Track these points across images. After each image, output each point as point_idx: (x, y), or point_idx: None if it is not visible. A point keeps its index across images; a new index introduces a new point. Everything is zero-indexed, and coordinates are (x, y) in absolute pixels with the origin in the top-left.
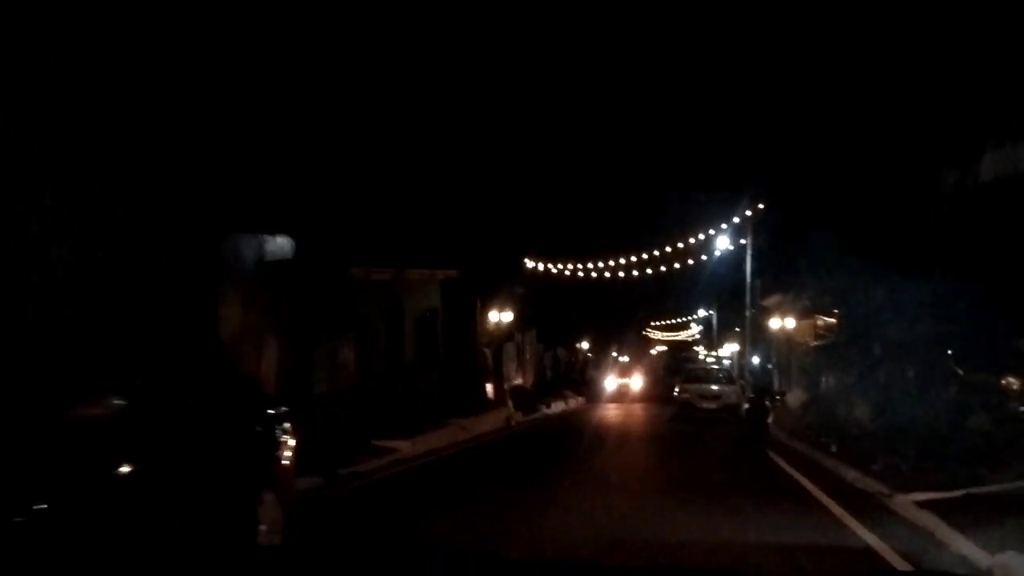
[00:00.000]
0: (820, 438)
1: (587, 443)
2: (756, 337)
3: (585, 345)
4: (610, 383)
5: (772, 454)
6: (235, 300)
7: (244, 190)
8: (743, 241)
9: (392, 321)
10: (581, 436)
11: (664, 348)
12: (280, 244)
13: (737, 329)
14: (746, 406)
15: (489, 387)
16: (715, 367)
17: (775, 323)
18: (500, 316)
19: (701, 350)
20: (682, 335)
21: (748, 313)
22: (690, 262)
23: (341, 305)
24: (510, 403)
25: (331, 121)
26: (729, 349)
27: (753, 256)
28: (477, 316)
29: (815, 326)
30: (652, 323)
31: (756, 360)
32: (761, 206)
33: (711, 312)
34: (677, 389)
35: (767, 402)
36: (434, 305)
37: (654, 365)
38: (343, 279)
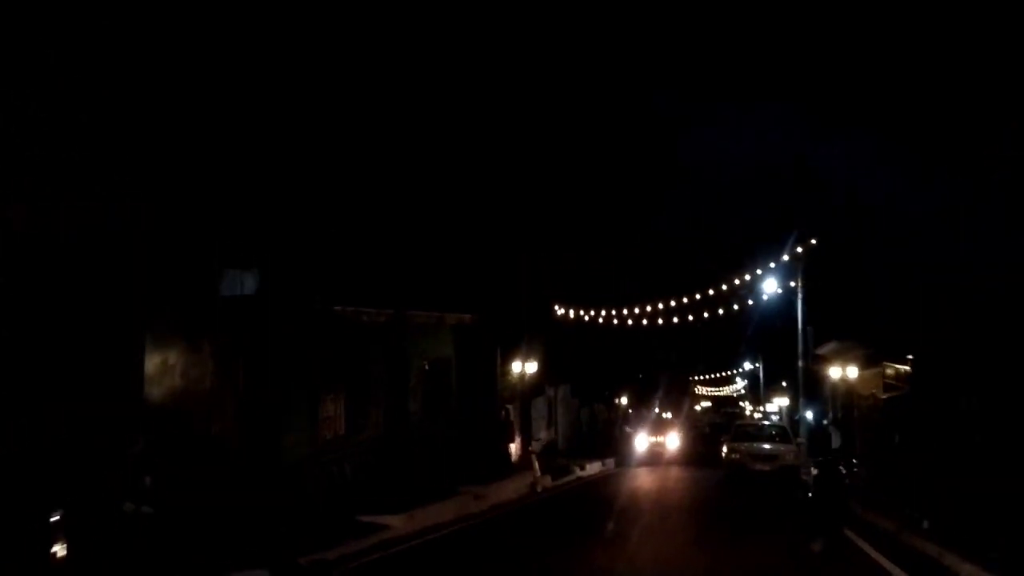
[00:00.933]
0: (904, 509)
1: (622, 517)
2: (810, 390)
3: (624, 401)
4: (641, 442)
5: (851, 534)
6: (172, 346)
7: (193, 208)
8: (792, 284)
9: (394, 371)
10: (615, 507)
11: (708, 404)
12: (240, 277)
13: (784, 384)
14: (815, 472)
15: (513, 447)
16: (767, 423)
17: (834, 372)
18: (524, 367)
19: (747, 406)
20: (726, 390)
21: (800, 363)
22: (735, 307)
23: (323, 351)
24: (537, 466)
25: (326, 140)
26: (778, 404)
27: (804, 299)
28: (497, 367)
29: (883, 375)
30: (694, 377)
31: (810, 415)
32: (813, 241)
33: (757, 365)
34: (726, 449)
35: (842, 468)
36: (446, 353)
37: (697, 422)
38: (325, 320)
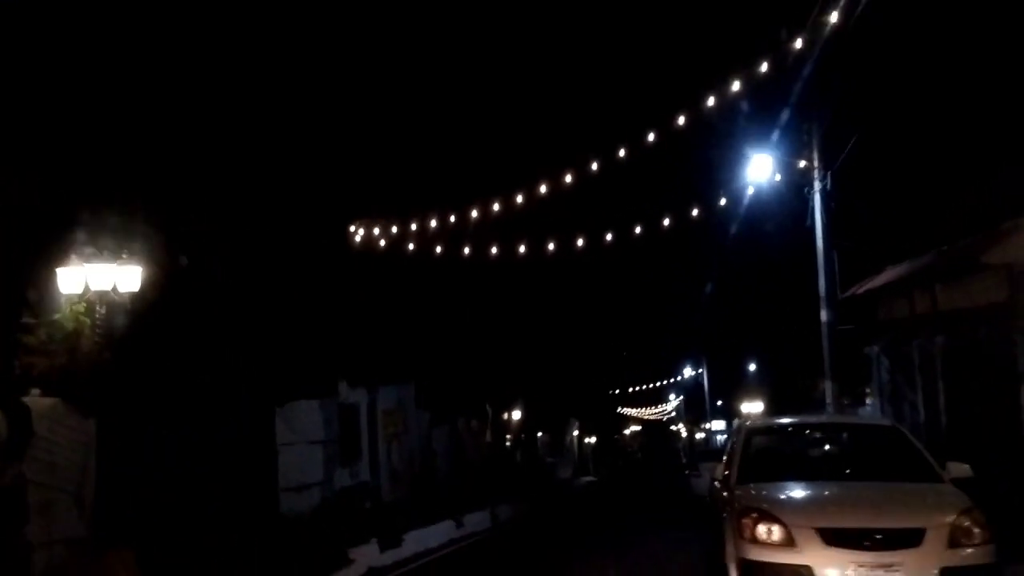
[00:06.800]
0: None
1: None
2: (849, 372)
3: (517, 416)
4: None
5: None
6: None
7: None
8: (802, 163)
9: None
10: None
11: (638, 428)
12: None
13: (719, 403)
14: None
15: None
16: (835, 420)
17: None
18: (116, 286)
19: (681, 429)
20: (656, 412)
21: (824, 316)
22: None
23: None
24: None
25: None
26: (747, 412)
27: (828, 190)
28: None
29: None
30: (614, 391)
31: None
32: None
33: (700, 371)
34: (737, 515)
35: None
36: None
37: (628, 445)
38: None
